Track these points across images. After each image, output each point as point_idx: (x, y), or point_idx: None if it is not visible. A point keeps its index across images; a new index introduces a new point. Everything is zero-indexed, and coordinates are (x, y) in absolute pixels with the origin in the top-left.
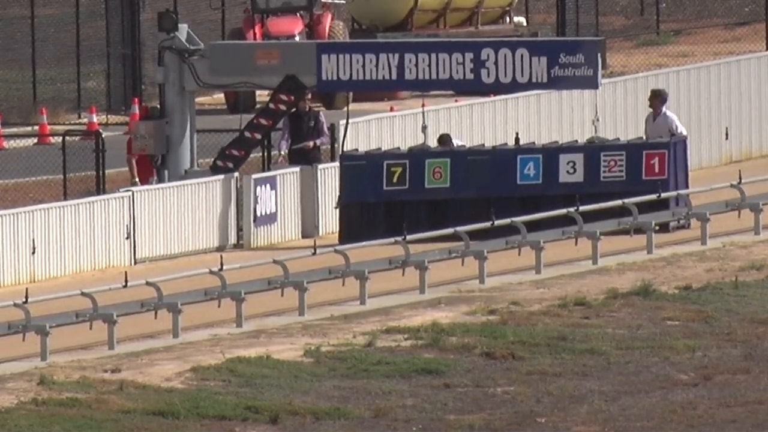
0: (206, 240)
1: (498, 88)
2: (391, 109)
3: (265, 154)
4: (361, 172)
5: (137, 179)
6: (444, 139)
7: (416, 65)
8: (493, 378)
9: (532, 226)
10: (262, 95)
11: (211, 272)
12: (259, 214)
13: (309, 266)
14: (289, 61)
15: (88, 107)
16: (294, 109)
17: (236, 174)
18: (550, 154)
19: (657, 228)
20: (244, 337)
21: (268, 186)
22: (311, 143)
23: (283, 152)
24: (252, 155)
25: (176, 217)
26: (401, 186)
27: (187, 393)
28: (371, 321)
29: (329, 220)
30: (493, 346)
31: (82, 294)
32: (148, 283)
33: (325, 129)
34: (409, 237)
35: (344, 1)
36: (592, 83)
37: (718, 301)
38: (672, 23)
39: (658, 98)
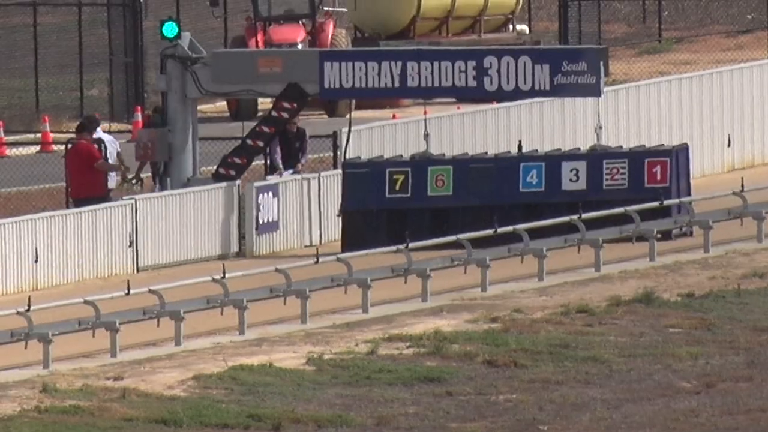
0: (208, 248)
1: (500, 96)
2: (394, 117)
3: (267, 162)
4: (364, 180)
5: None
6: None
7: (419, 73)
8: (496, 386)
9: (535, 234)
10: (264, 103)
11: (214, 280)
12: (261, 222)
13: (311, 274)
14: (291, 68)
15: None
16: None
17: (238, 182)
18: (553, 161)
19: (659, 236)
20: (246, 345)
21: (270, 194)
22: (300, 167)
23: (281, 166)
24: (254, 163)
25: (179, 225)
26: (404, 194)
27: (189, 401)
28: (373, 329)
29: (332, 228)
30: (495, 354)
31: (85, 302)
32: (150, 291)
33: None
34: (411, 245)
35: (346, 9)
36: (594, 91)
37: (721, 309)
38: (674, 31)
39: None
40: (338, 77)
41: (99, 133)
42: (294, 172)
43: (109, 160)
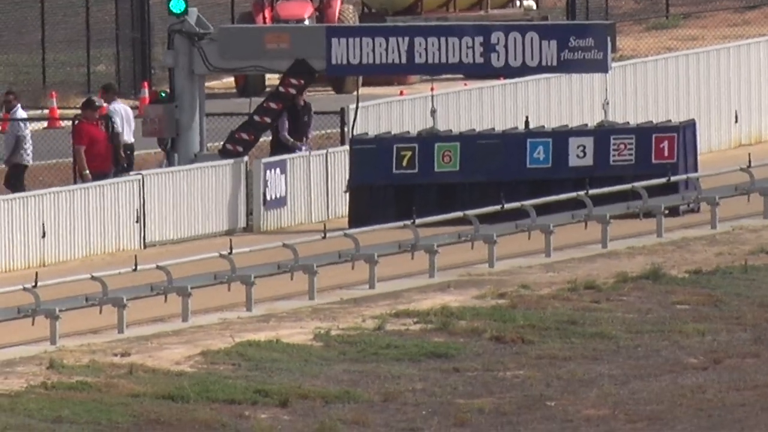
0: (216, 224)
1: (508, 72)
2: (401, 93)
3: (275, 137)
4: (371, 156)
5: (87, 171)
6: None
7: (426, 49)
8: (503, 362)
9: (542, 210)
10: (271, 79)
11: (221, 256)
12: (268, 197)
13: (318, 250)
14: (298, 44)
15: (98, 91)
16: (291, 103)
17: (246, 158)
18: (560, 137)
19: (666, 212)
20: (253, 320)
21: (277, 170)
22: (310, 143)
23: (292, 139)
24: (261, 139)
25: (186, 201)
26: (411, 170)
27: (196, 377)
28: (381, 305)
29: (339, 204)
30: (502, 330)
31: (92, 278)
32: (158, 267)
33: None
34: (418, 221)
35: None
36: (602, 67)
37: (728, 285)
38: (681, 7)
39: (110, 91)
40: (345, 53)
41: (117, 103)
42: (307, 148)
43: (124, 133)
